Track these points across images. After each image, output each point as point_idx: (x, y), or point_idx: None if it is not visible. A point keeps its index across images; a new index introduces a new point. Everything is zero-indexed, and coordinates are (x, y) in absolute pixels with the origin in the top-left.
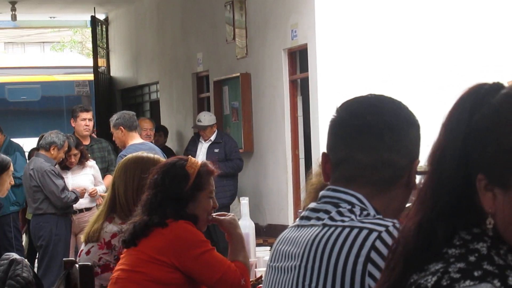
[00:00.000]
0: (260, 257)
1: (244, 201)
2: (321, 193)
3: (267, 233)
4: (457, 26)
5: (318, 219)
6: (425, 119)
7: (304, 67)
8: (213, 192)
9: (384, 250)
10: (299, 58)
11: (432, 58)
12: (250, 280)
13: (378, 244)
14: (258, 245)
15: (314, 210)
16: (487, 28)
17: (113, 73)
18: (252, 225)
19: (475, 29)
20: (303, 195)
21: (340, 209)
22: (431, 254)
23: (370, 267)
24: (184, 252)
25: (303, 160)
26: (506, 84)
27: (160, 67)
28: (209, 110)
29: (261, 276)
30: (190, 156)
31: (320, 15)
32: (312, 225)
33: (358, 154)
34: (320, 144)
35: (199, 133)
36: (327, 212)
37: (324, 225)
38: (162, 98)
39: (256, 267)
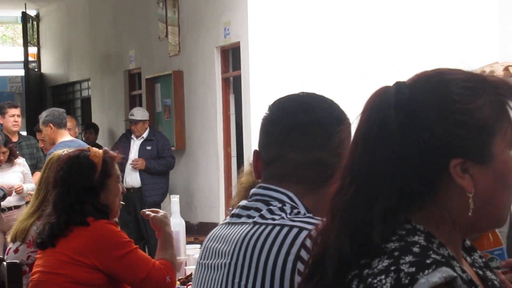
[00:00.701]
0: (190, 255)
1: (175, 199)
2: (252, 191)
3: (198, 231)
4: (387, 23)
5: (249, 216)
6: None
7: (237, 65)
8: (120, 177)
9: None
10: (231, 56)
11: (364, 56)
12: (180, 278)
13: (308, 242)
14: (189, 243)
15: (244, 207)
16: (416, 26)
17: (44, 69)
18: (182, 223)
19: (405, 27)
20: (234, 193)
21: (271, 207)
22: (368, 250)
23: (299, 266)
24: (106, 254)
25: (235, 158)
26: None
27: (92, 64)
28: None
29: (191, 274)
30: (89, 146)
31: (253, 13)
32: (242, 223)
33: (289, 152)
34: (252, 142)
35: (131, 130)
36: (257, 210)
37: (255, 223)
38: (93, 95)
39: (186, 265)
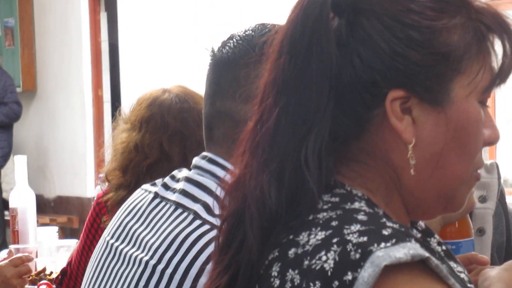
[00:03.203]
0: (43, 242)
1: (20, 161)
2: (196, 160)
3: (56, 209)
4: None
5: (190, 197)
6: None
7: None
8: None
9: None
10: None
11: None
12: (30, 274)
13: None
14: (42, 225)
15: (189, 181)
16: None
17: None
18: (31, 197)
19: None
20: (108, 155)
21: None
22: (303, 201)
23: None
24: None
25: (109, 104)
26: None
27: None
28: None
29: (44, 269)
30: None
31: None
32: (177, 205)
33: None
34: (134, 81)
35: None
36: (206, 190)
37: (196, 216)
38: None
39: (37, 256)
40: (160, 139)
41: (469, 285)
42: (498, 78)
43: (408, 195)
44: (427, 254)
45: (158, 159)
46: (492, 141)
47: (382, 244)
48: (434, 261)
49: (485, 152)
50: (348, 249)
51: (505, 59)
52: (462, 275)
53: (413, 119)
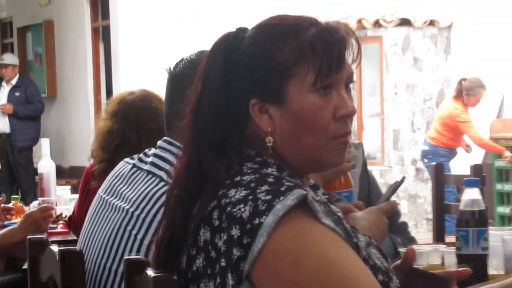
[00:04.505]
0: (60, 196)
1: (45, 142)
2: (159, 143)
3: (70, 175)
4: None
5: (156, 167)
6: None
7: (106, 15)
8: None
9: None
10: (100, 5)
11: (235, 10)
12: (52, 217)
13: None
14: (60, 185)
15: (156, 156)
16: None
17: None
18: (52, 165)
19: None
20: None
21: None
22: (222, 183)
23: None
24: None
25: (105, 105)
26: None
27: None
28: None
29: (61, 214)
30: None
31: None
32: (148, 173)
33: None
34: (121, 89)
35: (2, 78)
36: (167, 162)
37: (161, 180)
38: None
39: (56, 205)
40: (123, 127)
41: (345, 224)
42: (320, 73)
43: (290, 162)
44: (305, 192)
45: (121, 141)
46: (347, 114)
47: (281, 198)
48: (309, 197)
49: (355, 137)
50: (258, 204)
51: (322, 61)
52: (339, 214)
53: (270, 115)
